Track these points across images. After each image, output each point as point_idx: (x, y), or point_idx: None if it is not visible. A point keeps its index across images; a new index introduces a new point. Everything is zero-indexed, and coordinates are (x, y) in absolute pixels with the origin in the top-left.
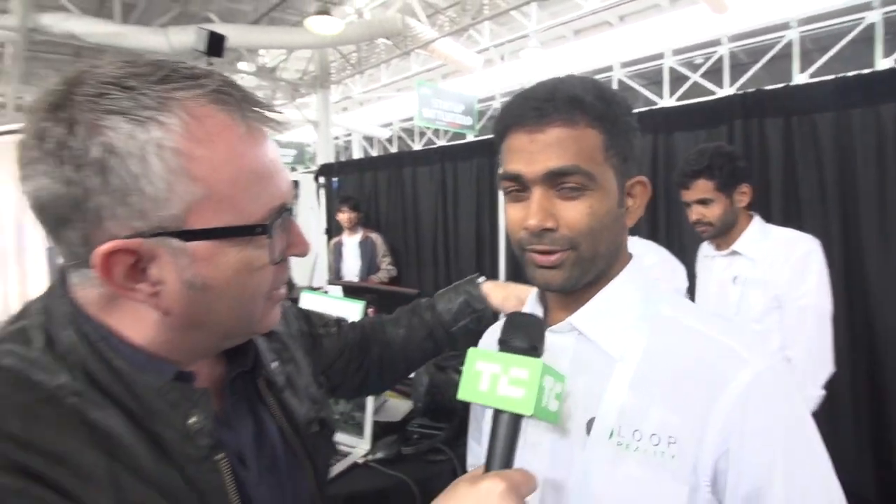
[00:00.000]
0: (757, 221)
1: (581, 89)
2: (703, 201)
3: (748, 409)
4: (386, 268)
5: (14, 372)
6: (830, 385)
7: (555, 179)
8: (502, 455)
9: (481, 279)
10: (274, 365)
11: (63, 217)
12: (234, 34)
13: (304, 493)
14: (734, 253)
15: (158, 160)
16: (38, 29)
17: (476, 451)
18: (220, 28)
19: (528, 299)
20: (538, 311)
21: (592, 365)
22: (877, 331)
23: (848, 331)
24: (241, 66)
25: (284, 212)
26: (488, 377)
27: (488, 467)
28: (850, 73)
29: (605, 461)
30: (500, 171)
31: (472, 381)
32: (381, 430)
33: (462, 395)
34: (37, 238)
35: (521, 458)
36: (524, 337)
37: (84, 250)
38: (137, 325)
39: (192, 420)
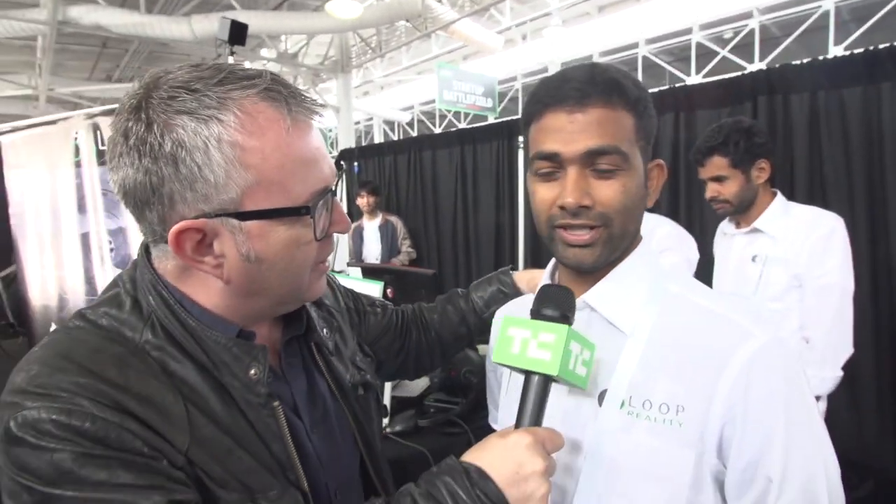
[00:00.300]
0: (780, 199)
1: (618, 73)
2: (717, 178)
3: (752, 379)
4: (406, 250)
5: (110, 330)
6: (854, 366)
7: (592, 159)
8: (532, 414)
9: (514, 271)
10: (324, 332)
11: (144, 200)
12: (256, 21)
13: (350, 444)
14: (755, 230)
15: (218, 152)
16: (67, 21)
17: (494, 415)
18: (241, 15)
19: (542, 277)
20: None
21: (604, 340)
22: None
23: (872, 311)
24: (263, 52)
25: (327, 193)
26: (519, 341)
27: (518, 425)
28: (881, 46)
29: (617, 430)
30: (533, 150)
31: (504, 345)
32: (398, 404)
33: (496, 357)
34: (72, 224)
35: None
36: (555, 306)
37: (161, 228)
38: (206, 292)
39: (253, 372)
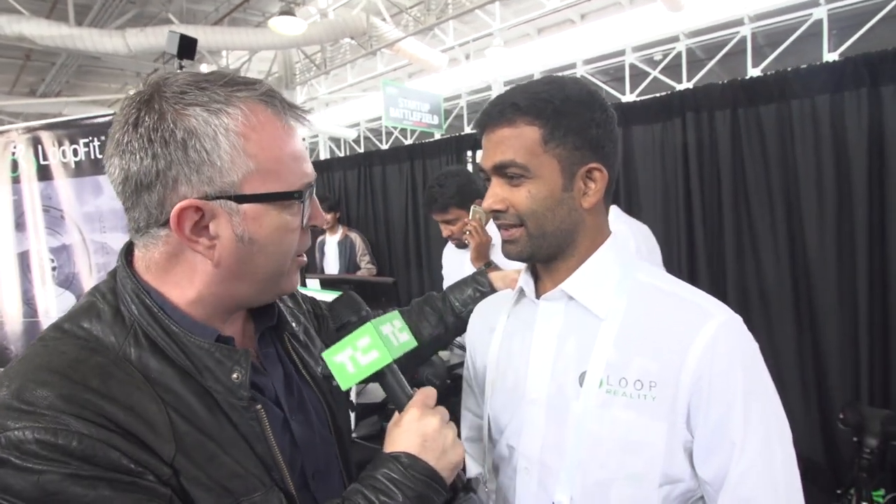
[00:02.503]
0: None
1: (523, 94)
2: None
3: (715, 353)
4: (366, 266)
5: (89, 340)
6: (779, 362)
7: (501, 170)
8: (401, 395)
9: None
10: (293, 325)
11: (147, 184)
12: (196, 35)
13: (325, 431)
14: None
15: (225, 140)
16: None
17: (469, 419)
18: (181, 29)
19: (521, 273)
20: (530, 284)
21: (581, 326)
22: (818, 305)
23: (793, 308)
24: (203, 67)
25: (310, 188)
26: (349, 361)
27: (400, 410)
28: (789, 69)
29: (597, 406)
30: None
31: (342, 373)
32: (363, 410)
33: (344, 386)
34: (8, 243)
35: (523, 412)
36: (349, 313)
37: (158, 211)
38: (191, 279)
39: (235, 375)
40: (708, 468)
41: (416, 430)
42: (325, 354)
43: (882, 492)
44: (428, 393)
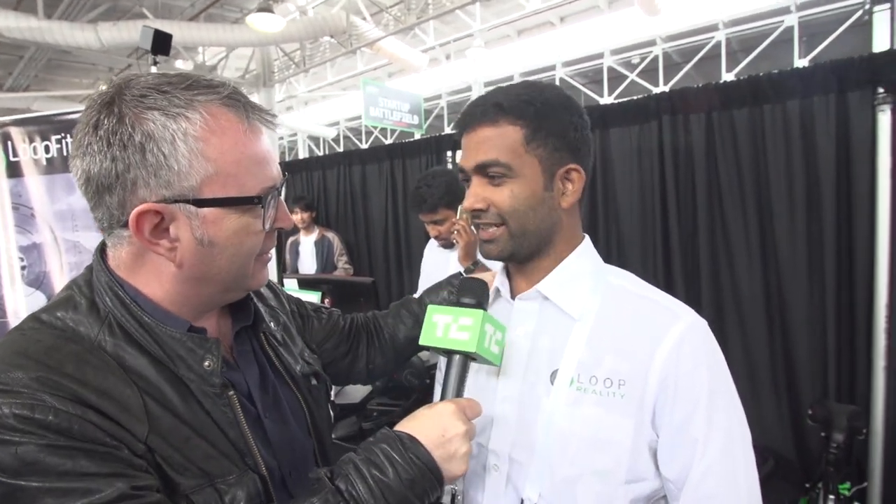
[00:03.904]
0: None
1: (505, 95)
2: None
3: (681, 353)
4: (343, 266)
5: (65, 330)
6: (752, 361)
7: (483, 170)
8: (454, 388)
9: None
10: (271, 324)
11: (107, 185)
12: (171, 31)
13: (303, 429)
14: None
15: (183, 144)
16: None
17: None
18: (155, 24)
19: (496, 274)
20: (505, 285)
21: (555, 325)
22: (788, 305)
23: (765, 309)
24: (178, 64)
25: (274, 191)
26: (442, 325)
27: (442, 397)
28: (762, 74)
29: (567, 404)
30: None
31: (430, 330)
32: (341, 411)
33: (423, 340)
34: None
35: (495, 410)
36: (472, 296)
37: (119, 212)
38: (158, 279)
39: (207, 363)
40: (672, 466)
41: (440, 424)
42: (431, 306)
43: (848, 485)
44: (476, 407)
